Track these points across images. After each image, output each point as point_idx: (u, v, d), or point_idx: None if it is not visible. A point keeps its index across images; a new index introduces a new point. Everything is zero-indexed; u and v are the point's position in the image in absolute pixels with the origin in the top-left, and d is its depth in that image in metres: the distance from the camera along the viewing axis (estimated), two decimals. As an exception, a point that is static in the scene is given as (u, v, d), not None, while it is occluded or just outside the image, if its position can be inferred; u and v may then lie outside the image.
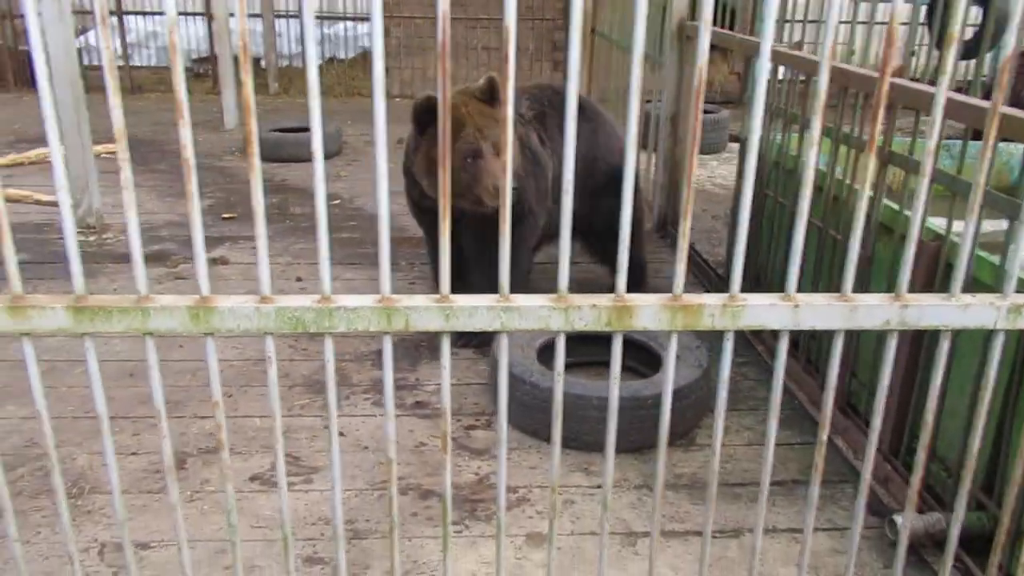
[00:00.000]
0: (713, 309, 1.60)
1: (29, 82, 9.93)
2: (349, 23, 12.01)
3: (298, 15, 11.45)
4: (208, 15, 10.63)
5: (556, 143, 3.61)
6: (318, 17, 11.43)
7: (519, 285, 3.29)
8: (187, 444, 2.78)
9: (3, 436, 2.79)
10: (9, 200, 5.46)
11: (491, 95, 3.26)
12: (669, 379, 1.71)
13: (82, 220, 4.94)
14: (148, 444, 2.77)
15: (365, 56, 11.46)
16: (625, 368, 3.29)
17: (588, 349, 3.18)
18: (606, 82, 6.84)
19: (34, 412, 2.93)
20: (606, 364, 3.23)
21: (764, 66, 1.47)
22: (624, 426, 2.56)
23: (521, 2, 9.44)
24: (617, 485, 2.58)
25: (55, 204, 5.41)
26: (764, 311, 1.60)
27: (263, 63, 10.29)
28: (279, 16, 10.54)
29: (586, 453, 2.73)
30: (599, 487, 2.61)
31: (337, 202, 5.61)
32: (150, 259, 4.25)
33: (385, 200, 1.54)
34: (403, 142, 3.72)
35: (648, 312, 1.62)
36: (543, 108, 3.68)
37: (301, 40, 11.37)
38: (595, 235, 3.80)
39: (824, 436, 1.74)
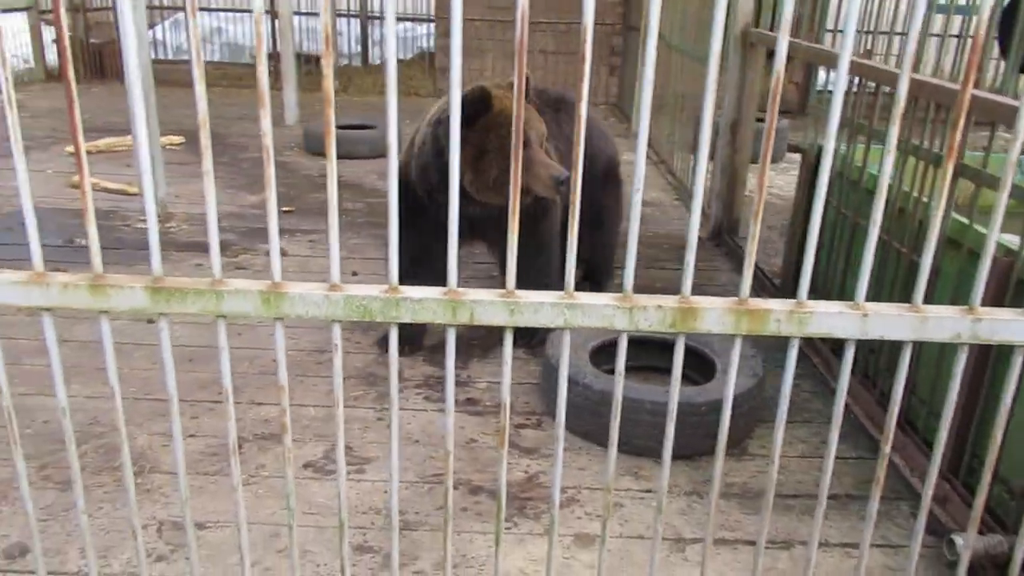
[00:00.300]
0: (779, 315, 1.59)
1: (98, 74, 10.24)
2: (407, 24, 12.14)
3: (358, 15, 11.61)
4: (272, 12, 10.85)
5: (557, 140, 3.61)
6: (373, 17, 11.58)
7: (555, 275, 3.31)
8: (244, 429, 2.83)
9: (72, 411, 2.87)
10: (75, 186, 5.63)
11: (526, 93, 3.23)
12: (731, 384, 1.69)
13: (146, 208, 5.07)
14: (206, 427, 2.83)
15: (423, 56, 11.57)
16: (685, 377, 3.28)
17: (638, 353, 3.17)
18: (663, 86, 6.81)
19: (98, 391, 3.03)
20: (656, 369, 3.25)
21: (842, 77, 1.46)
22: (676, 432, 2.54)
23: (578, 6, 9.45)
24: (667, 491, 2.56)
25: (120, 192, 5.57)
26: (832, 319, 1.58)
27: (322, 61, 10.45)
28: (340, 15, 10.70)
29: (636, 457, 2.72)
30: (649, 491, 2.60)
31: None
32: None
33: (455, 197, 1.56)
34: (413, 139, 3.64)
35: (713, 315, 1.61)
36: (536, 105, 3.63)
37: (362, 40, 11.55)
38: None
39: (887, 449, 1.71)
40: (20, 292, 1.60)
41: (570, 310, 1.61)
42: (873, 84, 3.17)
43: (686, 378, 3.27)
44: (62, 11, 1.40)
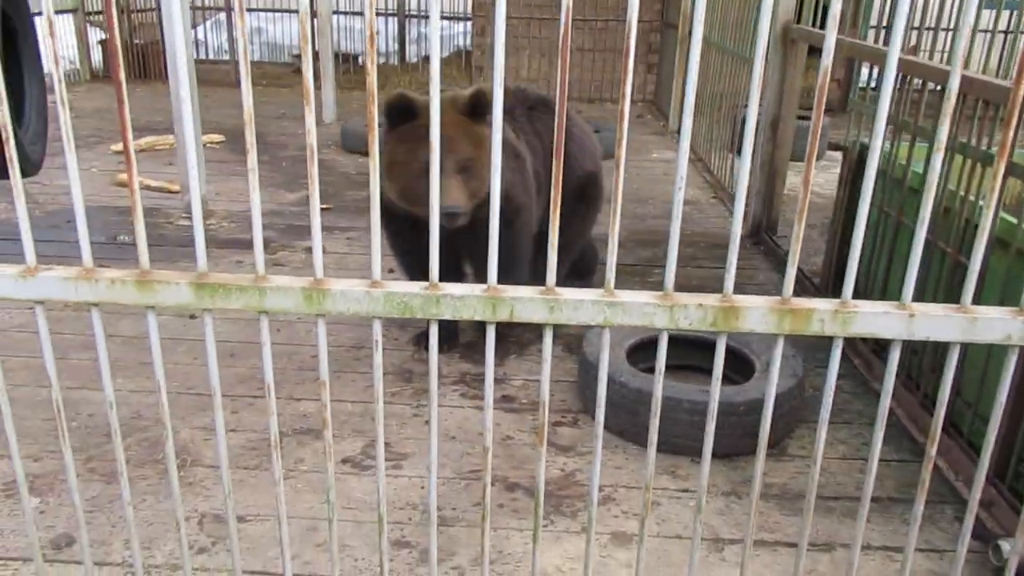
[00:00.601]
0: (823, 314, 1.57)
1: (141, 74, 10.41)
2: (445, 22, 12.18)
3: (396, 13, 11.68)
4: (311, 12, 10.92)
5: (529, 136, 3.49)
6: (411, 16, 11.63)
7: (527, 277, 3.28)
8: (283, 424, 2.87)
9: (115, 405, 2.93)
10: (121, 184, 5.74)
11: (474, 110, 2.99)
12: (773, 384, 1.68)
13: (188, 206, 5.15)
14: (246, 422, 2.87)
15: (460, 54, 11.61)
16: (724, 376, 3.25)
17: (675, 351, 3.14)
18: (701, 84, 6.75)
19: (141, 386, 3.08)
20: (693, 368, 3.22)
21: (890, 75, 1.43)
22: (714, 432, 2.53)
23: (617, 3, 9.39)
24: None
25: (162, 190, 5.66)
26: (877, 319, 1.56)
27: (360, 60, 10.54)
28: (378, 14, 10.76)
29: (673, 456, 2.71)
30: (686, 491, 2.58)
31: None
32: (249, 245, 4.40)
33: (496, 196, 1.56)
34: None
35: (756, 314, 1.59)
36: (511, 104, 3.45)
37: (400, 39, 11.61)
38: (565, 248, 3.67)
39: (933, 452, 1.68)
40: (70, 287, 1.63)
41: (610, 308, 1.61)
42: (919, 81, 3.12)
43: (724, 377, 3.24)
44: (115, 15, 1.42)
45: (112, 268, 1.64)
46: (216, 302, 1.63)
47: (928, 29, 3.26)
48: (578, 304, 1.61)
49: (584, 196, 3.69)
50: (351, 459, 2.68)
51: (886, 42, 3.59)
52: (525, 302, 1.61)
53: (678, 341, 3.16)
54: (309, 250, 4.46)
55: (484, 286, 1.63)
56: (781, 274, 4.30)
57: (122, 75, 1.52)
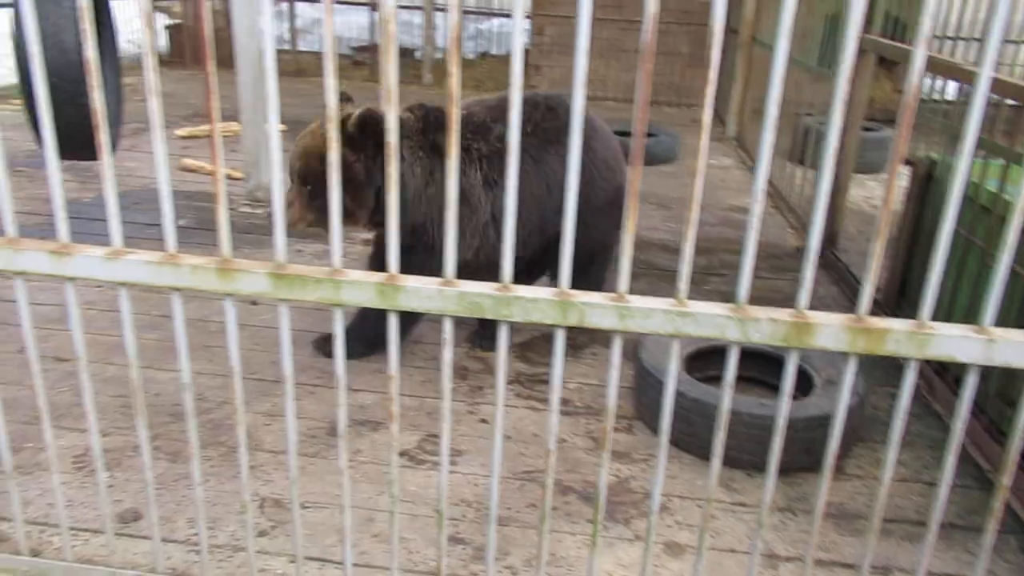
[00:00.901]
0: (899, 335, 1.55)
1: (219, 61, 10.61)
2: (503, 19, 12.20)
3: (464, 11, 11.73)
4: (371, 4, 11.07)
5: (532, 173, 3.22)
6: (472, 12, 11.67)
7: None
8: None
9: (176, 390, 3.00)
10: (187, 170, 5.87)
11: (359, 131, 2.85)
12: (843, 404, 1.67)
13: (251, 193, 5.26)
14: (306, 410, 2.92)
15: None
16: (769, 386, 3.21)
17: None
18: (763, 92, 6.67)
19: (204, 368, 3.15)
20: (752, 380, 3.18)
21: (981, 92, 1.41)
22: (768, 447, 2.50)
23: (676, 4, 9.31)
24: (758, 505, 2.53)
25: (226, 176, 5.78)
26: (955, 342, 1.53)
27: (418, 55, 10.61)
28: (438, 9, 10.83)
29: (729, 469, 2.68)
30: (741, 504, 2.56)
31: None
32: (311, 237, 4.47)
33: (574, 201, 1.57)
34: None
35: (828, 332, 1.58)
36: (529, 128, 3.20)
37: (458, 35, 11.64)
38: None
39: (1005, 481, 1.65)
40: (154, 271, 1.68)
41: (681, 318, 1.61)
42: (997, 96, 3.04)
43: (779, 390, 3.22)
44: (206, 11, 1.46)
45: (184, 253, 1.69)
46: (293, 293, 1.67)
47: (1009, 42, 3.18)
48: (649, 313, 1.61)
49: (614, 208, 3.48)
50: (407, 452, 2.72)
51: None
52: (595, 308, 1.62)
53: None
54: (367, 243, 4.52)
55: (555, 289, 1.64)
56: (841, 289, 4.25)
57: (212, 68, 1.56)
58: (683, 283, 1.59)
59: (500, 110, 3.19)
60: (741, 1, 7.88)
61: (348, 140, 2.81)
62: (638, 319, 1.62)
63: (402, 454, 2.71)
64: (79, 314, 1.75)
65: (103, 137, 1.64)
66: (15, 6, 3.52)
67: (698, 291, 4.11)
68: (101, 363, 3.09)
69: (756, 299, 1.62)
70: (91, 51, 1.58)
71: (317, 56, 11.30)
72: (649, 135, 7.25)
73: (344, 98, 2.99)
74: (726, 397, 1.70)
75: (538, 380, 3.24)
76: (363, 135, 2.86)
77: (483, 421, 2.93)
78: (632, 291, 1.63)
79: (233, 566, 2.16)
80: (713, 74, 1.50)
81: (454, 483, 2.59)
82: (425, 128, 3.09)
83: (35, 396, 1.85)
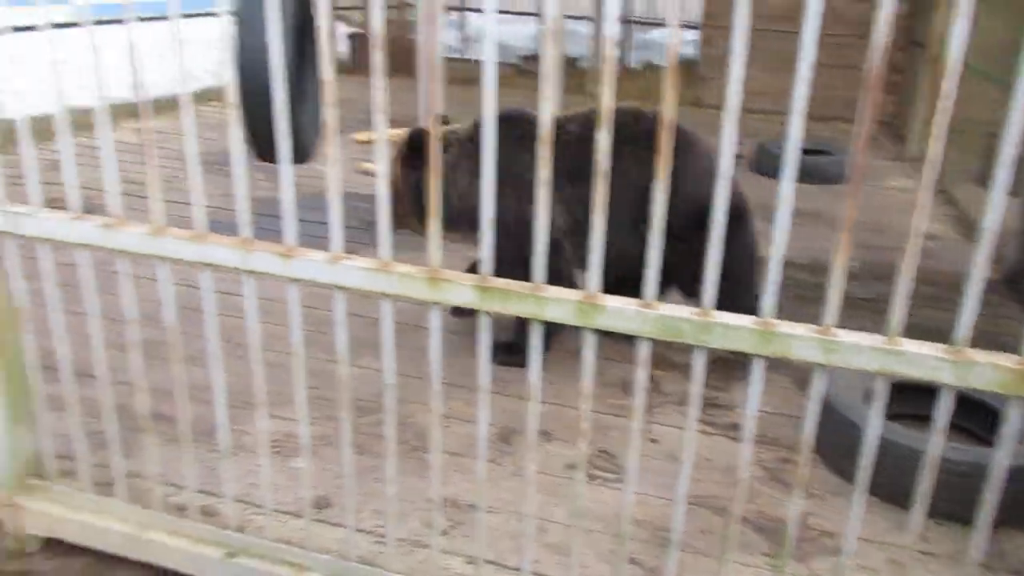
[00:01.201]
0: None
1: (401, 68, 11.12)
2: (663, 30, 12.07)
3: (628, 20, 11.72)
4: (538, 15, 11.22)
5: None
6: (634, 21, 11.62)
7: None
8: (514, 422, 2.98)
9: (361, 384, 3.17)
10: (363, 172, 6.17)
11: (409, 149, 3.33)
12: (1072, 459, 1.55)
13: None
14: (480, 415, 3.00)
15: (684, 65, 11.46)
16: (959, 428, 3.01)
17: (904, 398, 2.93)
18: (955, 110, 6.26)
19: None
20: (915, 416, 2.98)
21: None
22: (964, 495, 2.35)
23: (859, 18, 8.89)
24: (951, 557, 2.38)
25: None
26: None
27: (583, 64, 10.69)
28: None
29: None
30: (928, 553, 2.42)
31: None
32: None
33: (786, 226, 1.54)
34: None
35: (1062, 383, 1.47)
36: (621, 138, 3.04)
37: (623, 44, 11.65)
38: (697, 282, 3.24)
39: None
40: (367, 278, 1.79)
41: (891, 357, 1.55)
42: None
43: (969, 433, 3.02)
44: (378, 22, 1.55)
45: (358, 255, 1.78)
46: (495, 305, 1.73)
47: None
48: (857, 349, 1.56)
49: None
50: (577, 465, 2.74)
51: None
52: (799, 340, 1.59)
53: (906, 386, 2.96)
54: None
55: (757, 318, 1.62)
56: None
57: (379, 66, 1.64)
58: (895, 318, 1.53)
59: (588, 119, 3.24)
60: (929, 15, 7.45)
61: (403, 158, 3.38)
62: (844, 355, 1.57)
63: (573, 467, 2.74)
64: (299, 312, 1.89)
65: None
66: (238, 23, 3.83)
67: (875, 319, 3.90)
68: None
69: (938, 332, 1.53)
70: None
71: (480, 64, 11.61)
72: (822, 152, 6.96)
73: (443, 120, 3.25)
74: (935, 445, 1.63)
75: (710, 404, 3.18)
76: (413, 152, 3.27)
77: (653, 440, 2.92)
78: (803, 317, 1.59)
79: (415, 561, 2.26)
80: (873, 92, 1.43)
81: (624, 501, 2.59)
82: (474, 135, 3.28)
83: (246, 383, 2.01)
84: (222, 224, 2.71)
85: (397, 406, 3.06)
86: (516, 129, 3.09)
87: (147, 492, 2.36)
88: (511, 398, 3.14)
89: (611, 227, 3.18)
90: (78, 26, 1.79)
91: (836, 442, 2.77)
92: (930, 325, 3.76)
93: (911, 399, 2.97)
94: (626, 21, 11.72)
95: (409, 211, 3.42)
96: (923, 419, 3.01)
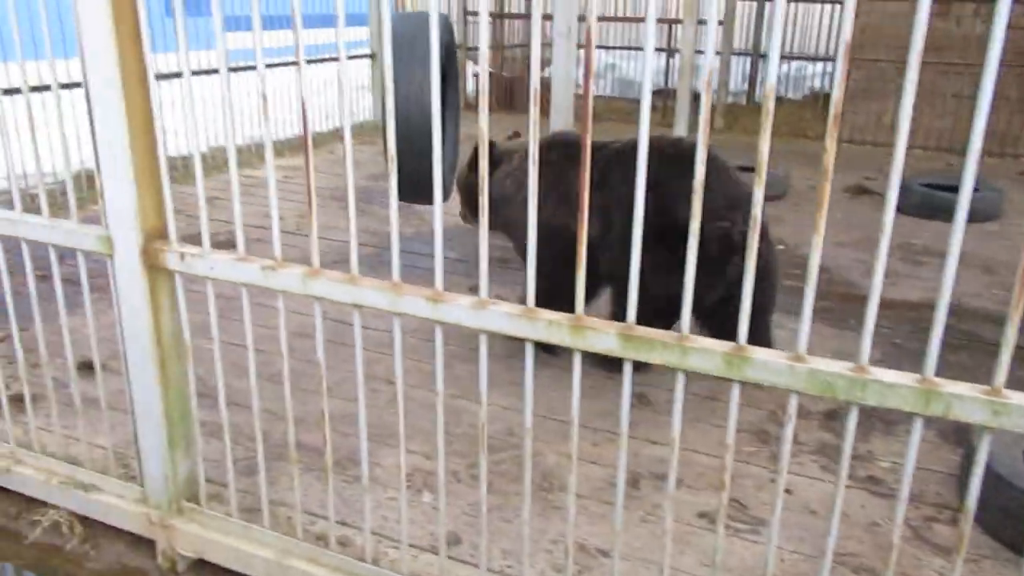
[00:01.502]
0: None
1: (508, 104, 11.36)
2: (801, 62, 11.83)
3: (750, 53, 11.55)
4: (669, 50, 11.23)
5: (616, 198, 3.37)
6: (764, 56, 11.41)
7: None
8: (640, 466, 2.94)
9: (490, 421, 3.21)
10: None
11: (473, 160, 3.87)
12: None
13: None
14: (606, 456, 2.99)
15: (816, 98, 11.19)
16: None
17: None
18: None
19: (512, 404, 3.31)
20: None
21: None
22: None
23: (1010, 46, 8.44)
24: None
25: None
26: None
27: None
28: (736, 54, 10.75)
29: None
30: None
31: (782, 247, 5.55)
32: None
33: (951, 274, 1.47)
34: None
35: None
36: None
37: (750, 77, 11.47)
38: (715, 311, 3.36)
39: None
40: (513, 323, 1.82)
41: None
42: None
43: None
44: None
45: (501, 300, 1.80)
46: (639, 354, 1.72)
47: None
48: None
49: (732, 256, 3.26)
50: (708, 514, 2.68)
51: None
52: (964, 401, 1.51)
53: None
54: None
55: (917, 376, 1.55)
56: None
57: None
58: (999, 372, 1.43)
59: (627, 145, 3.51)
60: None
61: (469, 163, 3.98)
62: (1013, 417, 1.48)
63: (702, 515, 2.68)
64: (443, 353, 1.93)
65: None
66: (393, 71, 3.99)
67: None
68: (425, 389, 3.37)
69: None
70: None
71: (607, 101, 11.67)
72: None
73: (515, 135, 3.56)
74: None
75: (859, 458, 3.05)
76: (476, 160, 3.48)
77: (788, 492, 2.82)
78: (950, 365, 1.50)
79: (545, 603, 2.25)
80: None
81: (757, 553, 2.51)
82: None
83: (378, 416, 2.06)
84: (364, 259, 2.82)
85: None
86: (569, 149, 3.59)
87: (288, 520, 2.45)
88: (639, 440, 3.11)
89: (624, 241, 3.32)
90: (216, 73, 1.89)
91: (992, 505, 2.60)
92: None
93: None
94: (758, 55, 11.55)
95: (464, 207, 4.27)
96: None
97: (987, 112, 1.38)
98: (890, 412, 3.26)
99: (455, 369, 3.54)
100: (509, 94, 11.39)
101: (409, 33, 3.51)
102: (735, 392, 1.69)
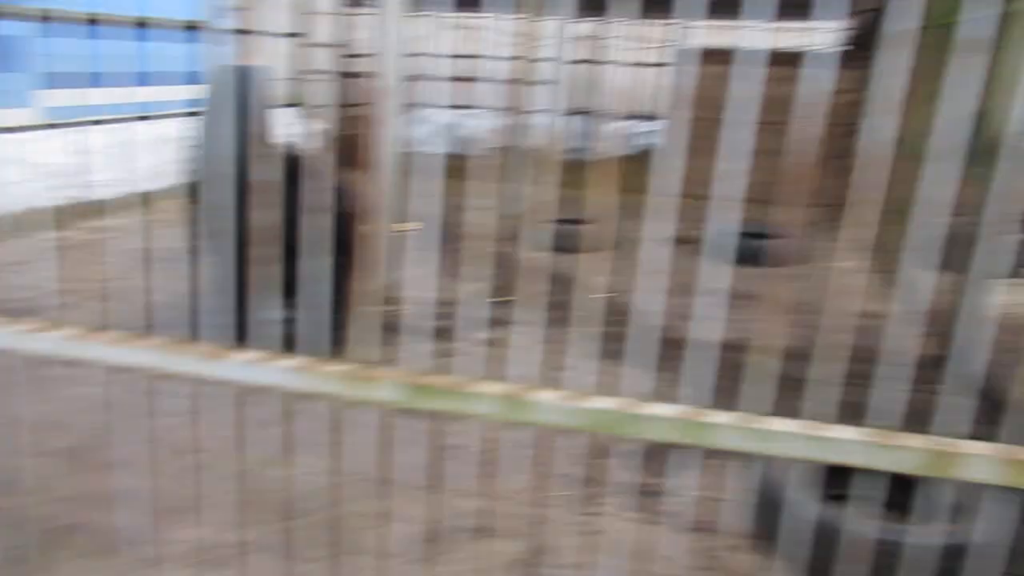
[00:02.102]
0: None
1: (346, 162, 11.26)
2: (634, 121, 12.47)
3: (584, 111, 12.05)
4: (508, 109, 11.51)
5: None
6: (595, 113, 11.96)
7: None
8: (446, 520, 2.89)
9: (301, 482, 3.06)
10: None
11: None
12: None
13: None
14: (410, 513, 2.91)
15: (647, 154, 11.77)
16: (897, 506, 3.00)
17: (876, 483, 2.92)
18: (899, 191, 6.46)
19: (322, 466, 3.13)
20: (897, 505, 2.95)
21: None
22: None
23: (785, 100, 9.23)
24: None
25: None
26: None
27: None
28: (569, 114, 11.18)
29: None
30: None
31: (613, 295, 5.74)
32: (434, 333, 4.59)
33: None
34: None
35: (978, 463, 1.48)
36: None
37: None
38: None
39: None
40: (292, 379, 1.75)
41: (815, 444, 1.54)
42: None
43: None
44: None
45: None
46: (424, 403, 1.70)
47: None
48: (784, 436, 1.55)
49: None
50: (520, 560, 2.67)
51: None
52: (727, 429, 1.58)
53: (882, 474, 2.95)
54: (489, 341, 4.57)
55: (684, 407, 1.61)
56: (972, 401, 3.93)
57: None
58: (821, 403, 1.53)
59: None
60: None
61: None
62: (771, 442, 1.56)
63: (514, 562, 2.67)
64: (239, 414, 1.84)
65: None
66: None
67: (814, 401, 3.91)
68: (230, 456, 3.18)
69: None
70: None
71: (456, 157, 11.83)
72: (764, 236, 7.09)
73: None
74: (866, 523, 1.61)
75: (645, 493, 3.11)
76: None
77: (596, 533, 2.86)
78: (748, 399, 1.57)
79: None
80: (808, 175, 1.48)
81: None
82: None
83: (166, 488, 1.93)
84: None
85: (333, 506, 2.97)
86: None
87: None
88: (448, 492, 3.06)
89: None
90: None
91: (787, 530, 2.73)
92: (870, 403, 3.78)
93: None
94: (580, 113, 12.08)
95: None
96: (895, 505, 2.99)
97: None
98: (713, 449, 3.39)
99: (272, 431, 3.38)
100: (350, 150, 11.29)
101: (220, 89, 3.43)
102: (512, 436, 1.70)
